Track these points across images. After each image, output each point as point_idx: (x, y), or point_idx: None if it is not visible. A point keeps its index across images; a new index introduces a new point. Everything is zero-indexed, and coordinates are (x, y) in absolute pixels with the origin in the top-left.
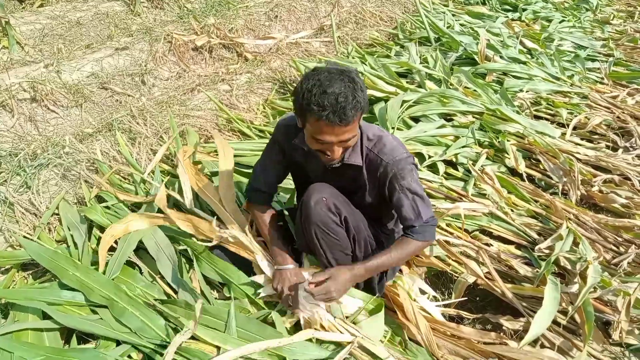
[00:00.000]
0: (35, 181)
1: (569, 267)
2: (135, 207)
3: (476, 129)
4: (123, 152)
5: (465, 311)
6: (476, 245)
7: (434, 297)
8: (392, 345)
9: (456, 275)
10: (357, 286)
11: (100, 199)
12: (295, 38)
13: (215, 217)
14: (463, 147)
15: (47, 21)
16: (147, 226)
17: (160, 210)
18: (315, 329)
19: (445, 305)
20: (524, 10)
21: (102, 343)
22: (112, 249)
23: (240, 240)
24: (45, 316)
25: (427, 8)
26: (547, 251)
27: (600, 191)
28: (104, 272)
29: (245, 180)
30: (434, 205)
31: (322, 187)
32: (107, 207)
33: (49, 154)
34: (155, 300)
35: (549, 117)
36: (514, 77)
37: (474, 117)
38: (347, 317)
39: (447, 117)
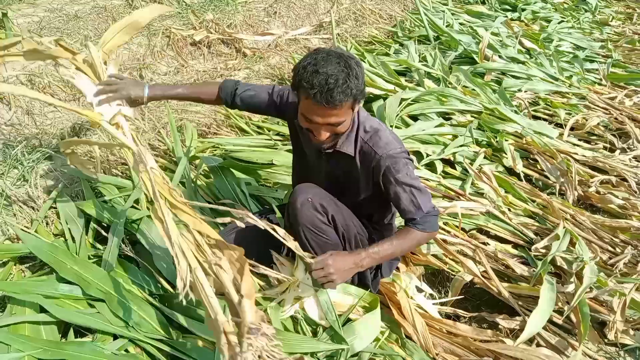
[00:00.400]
0: (32, 174)
1: (565, 267)
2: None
3: (474, 128)
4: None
5: (462, 310)
6: (473, 244)
7: (431, 295)
8: (388, 342)
9: (453, 273)
10: (351, 282)
11: (98, 194)
12: (294, 34)
13: None
14: (461, 146)
15: (44, 14)
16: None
17: None
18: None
19: (442, 304)
20: (523, 10)
21: (99, 337)
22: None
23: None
24: (42, 309)
25: (427, 6)
26: (543, 251)
27: (597, 192)
28: None
29: (243, 176)
30: None
31: (307, 188)
32: (105, 202)
33: (46, 148)
34: (152, 295)
35: (547, 117)
36: (513, 76)
37: (472, 116)
38: (340, 315)
39: (446, 116)
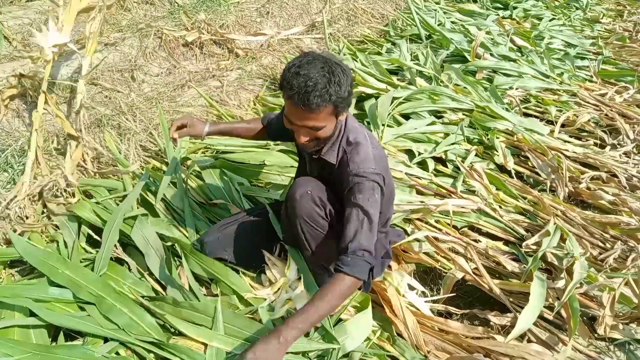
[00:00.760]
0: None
1: (555, 263)
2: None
3: (466, 126)
4: (111, 148)
5: (454, 307)
6: (465, 242)
7: (423, 293)
8: (380, 340)
9: (445, 271)
10: None
11: (89, 195)
12: (286, 34)
13: None
14: (453, 144)
15: (35, 16)
16: None
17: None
18: None
19: (433, 301)
20: (515, 8)
21: (89, 340)
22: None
23: None
24: (31, 314)
25: (419, 5)
26: (534, 247)
27: (588, 188)
28: None
29: (236, 177)
30: (423, 202)
31: (307, 181)
32: (98, 203)
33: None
34: (143, 297)
35: (538, 114)
36: (504, 74)
37: (463, 114)
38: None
39: (437, 114)
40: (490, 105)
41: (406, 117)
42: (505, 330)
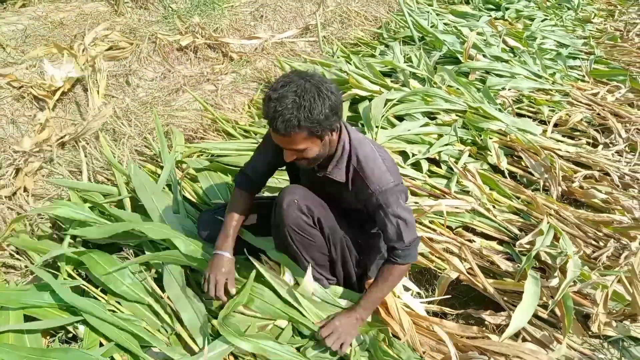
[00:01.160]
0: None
1: (549, 261)
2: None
3: (459, 127)
4: (105, 153)
5: (449, 307)
6: (459, 242)
7: (418, 293)
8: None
9: (439, 271)
10: (337, 283)
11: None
12: (280, 38)
13: None
14: (446, 145)
15: (29, 22)
16: None
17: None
18: None
19: (428, 302)
20: (507, 9)
21: (84, 344)
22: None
23: None
24: (26, 319)
25: (412, 7)
26: (528, 246)
27: (581, 187)
28: None
29: (230, 180)
30: (417, 203)
31: (294, 189)
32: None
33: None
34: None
35: (530, 114)
36: (497, 75)
37: (457, 115)
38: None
39: (431, 116)
40: (483, 106)
41: (400, 118)
42: (500, 329)
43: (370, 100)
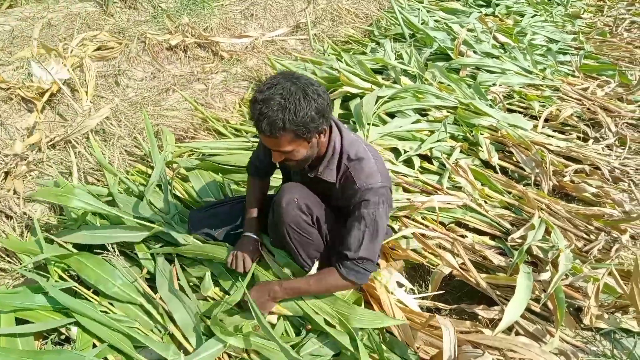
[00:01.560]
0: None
1: (541, 255)
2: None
3: (450, 123)
4: (95, 154)
5: (442, 303)
6: (451, 237)
7: (411, 289)
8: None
9: (432, 267)
10: None
11: None
12: (271, 36)
13: None
14: (438, 141)
15: (16, 23)
16: None
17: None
18: None
19: (422, 298)
20: (497, 5)
21: (77, 345)
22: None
23: None
24: (18, 322)
25: (402, 5)
26: (520, 241)
27: (572, 181)
28: None
29: (220, 179)
30: (410, 199)
31: (293, 188)
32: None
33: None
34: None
35: (521, 109)
36: (487, 71)
37: (448, 111)
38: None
39: (422, 112)
40: (474, 102)
41: (391, 115)
42: (494, 323)
43: (361, 97)
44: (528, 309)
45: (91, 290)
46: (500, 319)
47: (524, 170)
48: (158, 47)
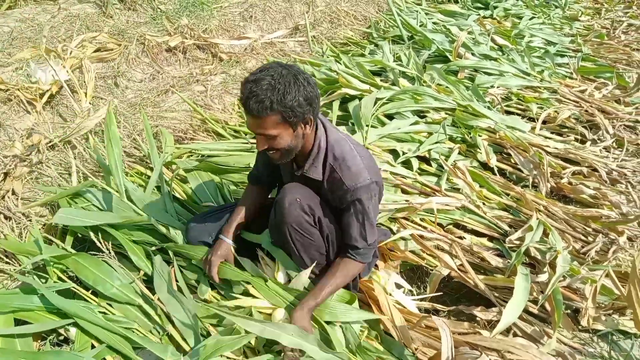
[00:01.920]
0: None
1: (539, 257)
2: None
3: (448, 125)
4: (95, 155)
5: (440, 304)
6: (449, 239)
7: (410, 291)
8: (368, 339)
9: (431, 268)
10: None
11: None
12: (270, 38)
13: None
14: (436, 143)
15: (15, 24)
16: None
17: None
18: None
19: (420, 299)
20: (495, 7)
21: (76, 346)
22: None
23: None
24: (17, 322)
25: (400, 7)
26: (517, 242)
27: (570, 183)
28: None
29: (220, 180)
30: (408, 201)
31: (295, 188)
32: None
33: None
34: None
35: (519, 112)
36: (485, 73)
37: (446, 113)
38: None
39: (421, 114)
40: (472, 104)
41: (390, 117)
42: (491, 325)
43: (360, 99)
44: (526, 311)
45: (90, 291)
46: (498, 321)
47: (522, 172)
48: (157, 49)
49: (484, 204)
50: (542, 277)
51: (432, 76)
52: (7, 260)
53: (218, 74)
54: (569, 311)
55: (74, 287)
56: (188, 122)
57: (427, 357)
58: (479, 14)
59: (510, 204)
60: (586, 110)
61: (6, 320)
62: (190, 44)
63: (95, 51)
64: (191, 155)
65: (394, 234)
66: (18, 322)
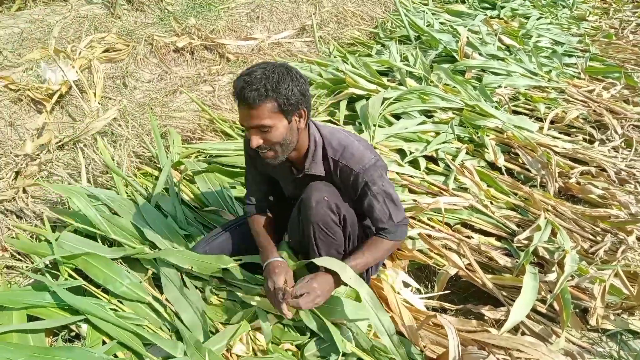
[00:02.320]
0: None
1: (547, 256)
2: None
3: (456, 125)
4: (104, 158)
5: (448, 303)
6: (457, 238)
7: (417, 289)
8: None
9: (438, 267)
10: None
11: None
12: (277, 38)
13: None
14: (443, 142)
15: (25, 25)
16: None
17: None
18: None
19: (428, 298)
20: (502, 7)
21: (87, 342)
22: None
23: None
24: (29, 318)
25: (407, 7)
26: (526, 242)
27: (578, 183)
28: None
29: (228, 179)
30: (416, 200)
31: (322, 186)
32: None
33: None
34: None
35: (527, 111)
36: (493, 73)
37: (453, 113)
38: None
39: (428, 114)
40: (479, 104)
41: (397, 117)
42: (499, 324)
43: (367, 99)
44: (534, 310)
45: (100, 288)
46: (506, 320)
47: (530, 171)
48: (165, 49)
49: (491, 203)
50: (551, 277)
51: (439, 76)
52: (20, 257)
53: (225, 74)
54: (577, 310)
55: (84, 285)
56: (196, 122)
57: (436, 355)
58: (486, 14)
59: (518, 204)
60: (594, 110)
61: (19, 316)
62: (197, 44)
63: (103, 52)
64: (199, 155)
65: None
66: (31, 318)
